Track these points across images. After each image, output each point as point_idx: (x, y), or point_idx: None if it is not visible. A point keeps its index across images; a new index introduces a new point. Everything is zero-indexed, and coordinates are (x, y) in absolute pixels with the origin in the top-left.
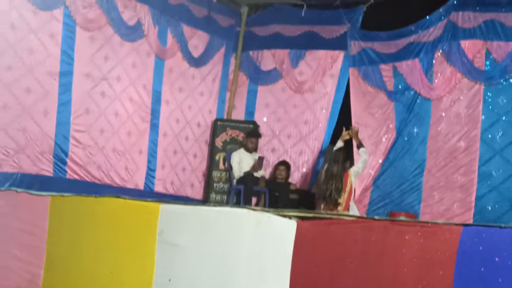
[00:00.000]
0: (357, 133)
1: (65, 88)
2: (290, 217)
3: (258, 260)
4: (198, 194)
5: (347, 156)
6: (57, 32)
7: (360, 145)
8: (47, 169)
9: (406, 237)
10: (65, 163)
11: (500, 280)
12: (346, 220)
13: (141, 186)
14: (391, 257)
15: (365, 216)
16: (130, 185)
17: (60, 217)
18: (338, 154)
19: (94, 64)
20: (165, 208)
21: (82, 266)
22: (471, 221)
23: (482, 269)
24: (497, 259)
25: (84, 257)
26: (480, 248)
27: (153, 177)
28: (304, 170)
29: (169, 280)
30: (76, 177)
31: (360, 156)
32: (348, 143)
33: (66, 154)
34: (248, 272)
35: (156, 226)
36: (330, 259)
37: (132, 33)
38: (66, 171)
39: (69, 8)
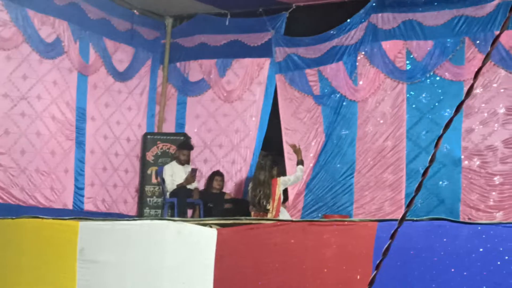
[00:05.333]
0: (299, 150)
1: None
2: (210, 225)
3: (181, 270)
4: (131, 210)
5: (274, 163)
6: None
7: (299, 162)
8: None
9: (325, 237)
10: None
11: (416, 273)
12: (265, 224)
13: (69, 206)
14: (312, 258)
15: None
16: (57, 205)
17: None
18: (264, 161)
19: (12, 84)
20: (84, 225)
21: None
22: None
23: (399, 263)
24: (412, 252)
25: (5, 279)
26: (396, 242)
27: (82, 196)
28: (238, 178)
29: None
30: None
31: (296, 171)
32: (276, 150)
33: None
34: (171, 282)
35: (76, 244)
36: (252, 264)
37: (51, 50)
38: None
39: None
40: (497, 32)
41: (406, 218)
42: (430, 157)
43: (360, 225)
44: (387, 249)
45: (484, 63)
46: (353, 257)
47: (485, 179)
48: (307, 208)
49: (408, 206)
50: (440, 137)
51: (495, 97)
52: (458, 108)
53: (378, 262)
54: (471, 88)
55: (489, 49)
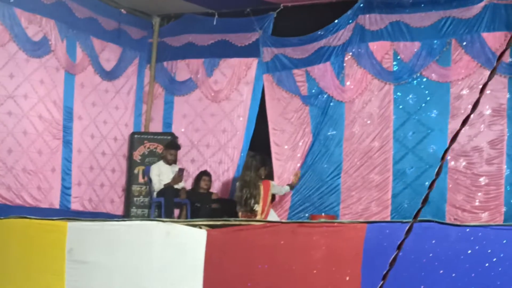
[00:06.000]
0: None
1: None
2: (200, 226)
3: (170, 270)
4: (118, 209)
5: (261, 163)
6: None
7: (291, 186)
8: None
9: (314, 238)
10: None
11: (404, 274)
12: (254, 226)
13: (56, 205)
14: (301, 260)
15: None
16: (44, 205)
17: None
18: (250, 161)
19: None
20: (73, 225)
21: None
22: (388, 219)
23: (387, 265)
24: (401, 253)
25: None
26: (385, 244)
27: (69, 195)
28: (225, 178)
29: None
30: None
31: (284, 188)
32: (264, 151)
33: None
34: (160, 283)
35: (64, 244)
36: (242, 265)
37: (38, 48)
38: None
39: None
40: (484, 34)
41: (395, 220)
42: (436, 169)
43: (350, 227)
44: (394, 259)
45: (490, 78)
46: (342, 258)
47: (471, 179)
48: (294, 208)
49: (415, 216)
50: (447, 150)
51: (481, 99)
52: (465, 121)
53: (385, 272)
54: (477, 102)
55: (475, 51)
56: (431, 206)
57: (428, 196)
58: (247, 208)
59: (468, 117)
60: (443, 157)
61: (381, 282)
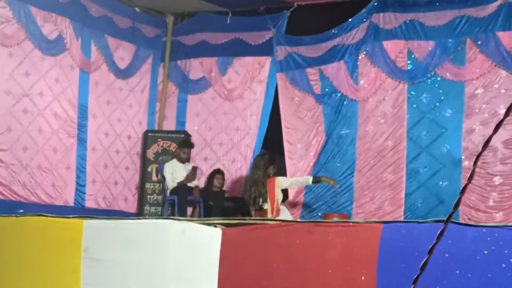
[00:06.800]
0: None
1: None
2: (215, 225)
3: (185, 269)
4: (132, 207)
5: (270, 161)
6: None
7: (315, 180)
8: None
9: (329, 237)
10: None
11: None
12: (270, 225)
13: (71, 203)
14: (316, 259)
15: (298, 219)
16: (59, 202)
17: None
18: (258, 160)
19: (14, 81)
20: (88, 223)
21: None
22: (402, 218)
23: (403, 265)
24: (416, 253)
25: (7, 277)
26: (401, 244)
27: (83, 193)
28: (238, 177)
29: None
30: (0, 197)
31: (301, 178)
32: (276, 149)
33: None
34: (176, 282)
35: (80, 242)
36: (257, 264)
37: (53, 47)
38: None
39: None
40: (499, 33)
41: (410, 220)
42: (469, 174)
43: (365, 227)
44: (432, 249)
45: None
46: (358, 258)
47: (485, 179)
48: (307, 207)
49: (447, 220)
50: (479, 155)
51: (496, 98)
52: (499, 125)
53: (423, 262)
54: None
55: (490, 50)
56: (445, 206)
57: (460, 200)
58: (256, 207)
59: (501, 121)
60: (475, 162)
61: (412, 286)
